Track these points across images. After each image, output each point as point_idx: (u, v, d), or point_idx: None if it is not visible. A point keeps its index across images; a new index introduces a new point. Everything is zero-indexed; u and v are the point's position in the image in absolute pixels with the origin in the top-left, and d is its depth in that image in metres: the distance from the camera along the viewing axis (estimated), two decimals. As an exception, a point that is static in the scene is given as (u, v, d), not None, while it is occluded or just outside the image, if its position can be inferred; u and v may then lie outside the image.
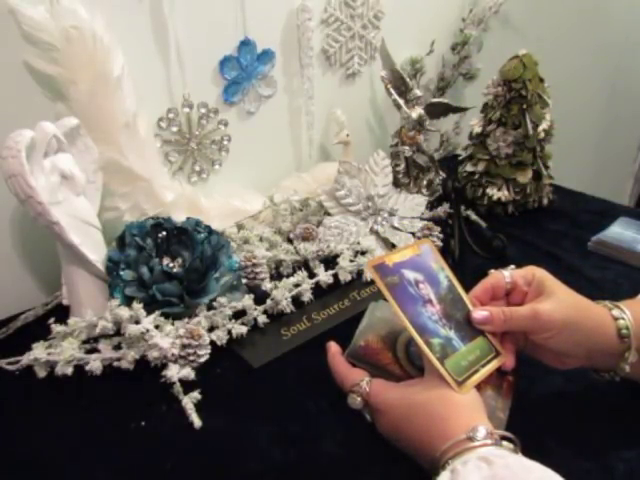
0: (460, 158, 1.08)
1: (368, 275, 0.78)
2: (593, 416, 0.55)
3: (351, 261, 0.78)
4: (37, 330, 0.66)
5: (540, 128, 0.93)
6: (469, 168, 1.01)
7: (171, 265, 0.66)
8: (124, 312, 0.60)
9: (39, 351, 0.60)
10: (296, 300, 0.72)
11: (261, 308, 0.69)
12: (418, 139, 0.96)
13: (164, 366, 0.60)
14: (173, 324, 0.64)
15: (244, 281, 0.72)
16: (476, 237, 0.88)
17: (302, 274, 0.74)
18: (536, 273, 0.54)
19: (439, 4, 1.15)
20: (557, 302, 0.50)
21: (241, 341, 0.66)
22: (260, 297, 0.70)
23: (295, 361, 0.64)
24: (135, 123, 0.73)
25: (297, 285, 0.73)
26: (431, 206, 0.96)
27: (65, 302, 0.68)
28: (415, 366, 0.52)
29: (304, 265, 0.80)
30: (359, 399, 0.50)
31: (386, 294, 0.49)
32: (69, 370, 0.60)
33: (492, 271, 0.56)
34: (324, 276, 0.75)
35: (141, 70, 0.75)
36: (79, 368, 0.60)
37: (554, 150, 1.00)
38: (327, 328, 0.69)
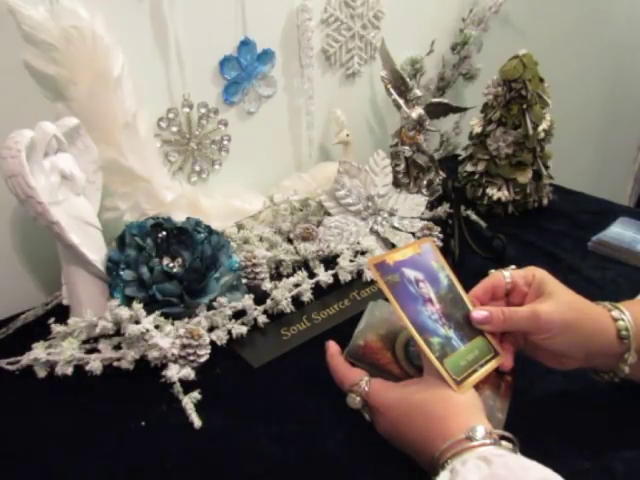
0: (460, 158, 1.08)
1: (368, 275, 0.78)
2: (593, 416, 0.55)
3: (351, 261, 0.78)
4: (37, 330, 0.66)
5: (540, 128, 0.93)
6: (469, 168, 1.01)
7: (171, 265, 0.66)
8: (124, 312, 0.60)
9: (39, 351, 0.60)
10: (296, 300, 0.72)
11: (261, 308, 0.69)
12: (418, 139, 0.96)
13: (164, 366, 0.60)
14: (173, 324, 0.64)
15: (244, 281, 0.72)
16: (476, 237, 0.88)
17: (302, 274, 0.74)
18: (536, 273, 0.54)
19: (439, 4, 1.15)
20: (557, 303, 0.50)
21: (241, 341, 0.66)
22: (260, 297, 0.70)
23: (295, 361, 0.64)
24: (135, 123, 0.73)
25: (297, 285, 0.73)
26: (431, 206, 0.96)
27: (65, 302, 0.68)
28: (414, 366, 0.52)
29: (304, 265, 0.80)
30: (358, 399, 0.50)
31: (386, 292, 0.49)
32: (69, 370, 0.60)
33: (492, 271, 0.57)
34: (324, 276, 0.75)
35: (141, 70, 0.75)
36: (79, 368, 0.60)
37: (554, 150, 1.00)
38: (327, 328, 0.69)
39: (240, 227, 0.86)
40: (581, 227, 0.93)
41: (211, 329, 0.65)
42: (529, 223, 0.96)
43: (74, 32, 0.65)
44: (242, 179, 0.93)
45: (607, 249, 0.85)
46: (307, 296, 0.72)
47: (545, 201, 1.00)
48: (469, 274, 0.59)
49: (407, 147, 0.97)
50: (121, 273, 0.65)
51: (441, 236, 0.85)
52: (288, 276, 0.75)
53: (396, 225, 0.88)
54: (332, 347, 0.56)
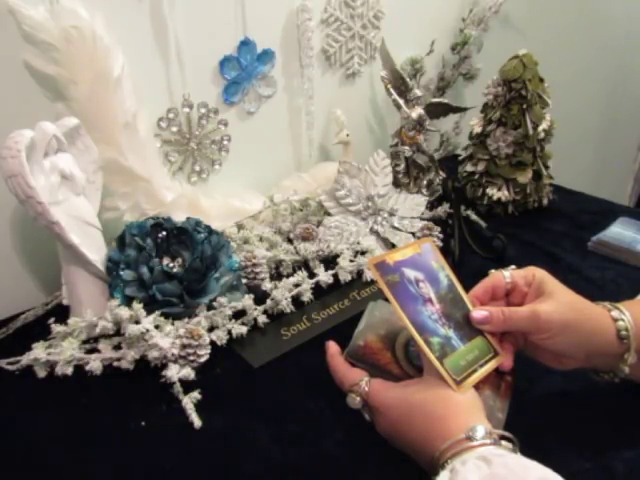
0: (460, 158, 1.08)
1: (368, 275, 0.78)
2: (593, 416, 0.55)
3: (351, 261, 0.78)
4: (37, 330, 0.66)
5: (540, 128, 0.93)
6: (469, 168, 1.01)
7: (171, 265, 0.66)
8: (124, 312, 0.60)
9: (39, 351, 0.60)
10: (296, 300, 0.72)
11: (261, 308, 0.69)
12: (418, 139, 0.96)
13: (164, 366, 0.60)
14: (173, 324, 0.64)
15: (244, 281, 0.72)
16: (476, 237, 0.88)
17: (302, 274, 0.74)
18: (536, 273, 0.54)
19: (439, 4, 1.15)
20: (557, 303, 0.50)
21: (241, 341, 0.66)
22: (260, 297, 0.70)
23: (295, 361, 0.65)
24: (135, 123, 0.73)
25: (297, 285, 0.73)
26: (431, 206, 0.96)
27: (65, 302, 0.68)
28: (414, 366, 0.52)
29: (304, 265, 0.80)
30: (358, 399, 0.50)
31: (386, 292, 0.49)
32: (69, 370, 0.60)
33: (492, 271, 0.56)
34: (324, 276, 0.75)
35: (141, 70, 0.75)
36: (79, 368, 0.60)
37: (554, 150, 1.00)
38: (327, 328, 0.70)
39: (240, 227, 0.86)
40: (581, 227, 0.93)
41: (211, 329, 0.65)
42: (529, 223, 0.96)
43: (74, 32, 0.65)
44: (242, 179, 0.93)
45: (607, 249, 0.85)
46: (307, 296, 0.72)
47: (545, 201, 1.00)
48: (469, 274, 0.59)
49: (407, 147, 0.97)
50: (121, 273, 0.65)
51: (441, 236, 0.85)
52: (288, 276, 0.75)
53: (396, 225, 0.88)
54: (332, 347, 0.56)
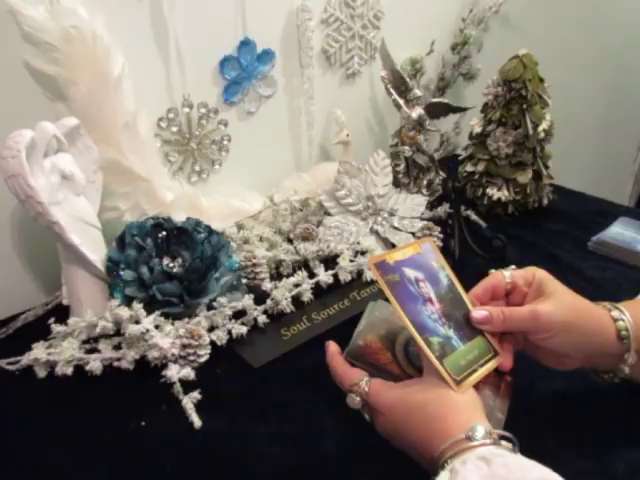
0: (460, 158, 1.08)
1: (368, 275, 0.78)
2: (593, 416, 0.55)
3: (351, 261, 0.78)
4: (37, 330, 0.66)
5: (540, 128, 0.93)
6: (469, 168, 1.01)
7: (171, 265, 0.66)
8: (124, 312, 0.60)
9: (39, 351, 0.60)
10: (296, 300, 0.72)
11: (261, 308, 0.69)
12: (418, 139, 0.96)
13: (164, 366, 0.60)
14: (173, 324, 0.64)
15: (244, 281, 0.72)
16: (476, 237, 0.88)
17: (302, 274, 0.74)
18: (536, 274, 0.54)
19: (439, 4, 1.15)
20: (557, 303, 0.50)
21: (241, 341, 0.66)
22: (260, 297, 0.70)
23: (295, 361, 0.65)
24: (135, 123, 0.73)
25: (297, 285, 0.73)
26: (431, 206, 0.96)
27: (65, 302, 0.68)
28: (414, 366, 0.52)
29: (304, 265, 0.80)
30: (358, 399, 0.50)
31: (386, 292, 0.49)
32: (69, 370, 0.60)
33: (492, 271, 0.56)
34: (324, 276, 0.75)
35: (141, 70, 0.75)
36: (79, 368, 0.60)
37: (554, 150, 1.00)
38: (327, 328, 0.70)
39: (240, 227, 0.86)
40: (581, 227, 0.93)
41: (211, 329, 0.65)
42: (529, 223, 0.96)
43: (74, 32, 0.65)
44: (242, 179, 0.93)
45: (607, 249, 0.85)
46: (307, 296, 0.73)
47: (545, 201, 1.00)
48: (469, 274, 0.59)
49: (407, 147, 0.97)
50: (121, 273, 0.65)
51: (441, 236, 0.85)
52: (288, 276, 0.75)
53: (396, 225, 0.88)
54: (332, 347, 0.55)
